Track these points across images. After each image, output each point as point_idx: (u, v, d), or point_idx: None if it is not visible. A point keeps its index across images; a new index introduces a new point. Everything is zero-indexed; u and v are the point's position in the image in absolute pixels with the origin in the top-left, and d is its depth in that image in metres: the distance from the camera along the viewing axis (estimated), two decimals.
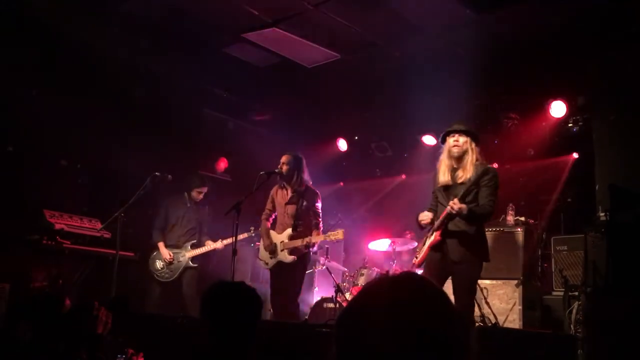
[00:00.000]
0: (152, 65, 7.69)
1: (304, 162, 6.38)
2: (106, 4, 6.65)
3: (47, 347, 3.14)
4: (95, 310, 3.44)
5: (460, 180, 4.89)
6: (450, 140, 4.99)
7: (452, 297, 4.75)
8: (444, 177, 4.99)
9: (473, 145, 4.98)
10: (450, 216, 4.80)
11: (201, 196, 7.42)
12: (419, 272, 4.91)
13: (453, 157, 4.97)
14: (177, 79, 8.09)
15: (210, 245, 7.17)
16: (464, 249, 4.78)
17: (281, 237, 6.24)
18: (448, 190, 4.97)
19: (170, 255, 7.14)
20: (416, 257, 5.13)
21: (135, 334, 4.13)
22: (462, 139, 4.96)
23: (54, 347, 3.16)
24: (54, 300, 3.55)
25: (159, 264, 7.18)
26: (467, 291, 4.79)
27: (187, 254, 7.15)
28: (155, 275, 7.16)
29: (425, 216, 5.02)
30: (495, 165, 8.10)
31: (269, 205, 6.53)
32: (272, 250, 6.26)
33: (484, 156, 5.12)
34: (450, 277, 4.90)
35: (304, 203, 6.20)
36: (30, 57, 6.80)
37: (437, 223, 4.91)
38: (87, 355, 3.25)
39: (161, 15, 6.85)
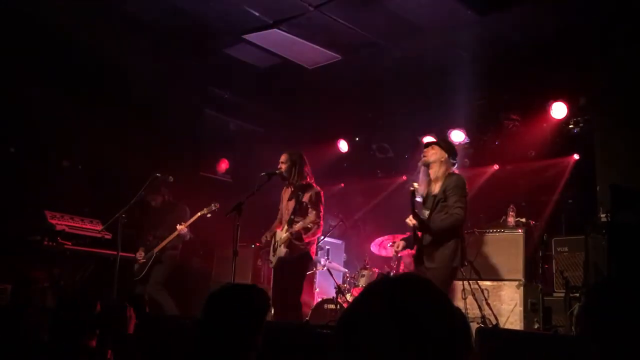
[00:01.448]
0: (153, 65, 7.69)
1: (304, 157, 6.31)
2: (107, 4, 6.65)
3: (77, 347, 3.16)
4: (127, 311, 3.50)
5: (433, 193, 5.20)
6: (423, 153, 5.36)
7: None
8: (420, 194, 5.33)
9: (445, 157, 5.24)
10: (415, 229, 5.15)
11: (153, 203, 7.36)
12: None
13: (423, 168, 5.33)
14: (178, 80, 8.09)
15: (172, 234, 7.10)
16: (436, 256, 5.08)
17: (281, 234, 6.21)
18: (424, 203, 5.29)
19: (141, 255, 7.20)
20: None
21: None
22: (430, 152, 5.27)
23: (84, 347, 3.18)
24: (86, 299, 3.59)
25: (135, 266, 7.26)
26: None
27: (155, 249, 7.17)
28: (134, 278, 7.22)
29: (397, 247, 5.52)
30: (496, 167, 8.18)
31: (280, 207, 6.50)
32: (274, 247, 6.25)
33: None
34: None
35: (303, 198, 6.14)
36: (31, 58, 6.80)
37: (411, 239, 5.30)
38: (116, 354, 3.29)
39: (162, 16, 6.85)
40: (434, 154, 5.27)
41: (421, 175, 5.38)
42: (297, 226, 5.93)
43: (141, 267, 7.21)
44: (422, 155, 5.37)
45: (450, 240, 5.09)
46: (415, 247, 5.26)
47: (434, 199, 5.16)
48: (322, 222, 6.21)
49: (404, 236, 5.63)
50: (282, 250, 6.11)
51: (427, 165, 5.31)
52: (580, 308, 5.60)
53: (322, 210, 6.18)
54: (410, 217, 5.09)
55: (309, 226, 5.97)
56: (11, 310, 4.61)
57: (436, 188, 5.19)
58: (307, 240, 6.09)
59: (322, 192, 6.24)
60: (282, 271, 6.21)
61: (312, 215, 5.88)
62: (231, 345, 2.42)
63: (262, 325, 2.50)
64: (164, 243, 7.16)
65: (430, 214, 5.15)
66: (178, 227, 7.09)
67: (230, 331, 2.43)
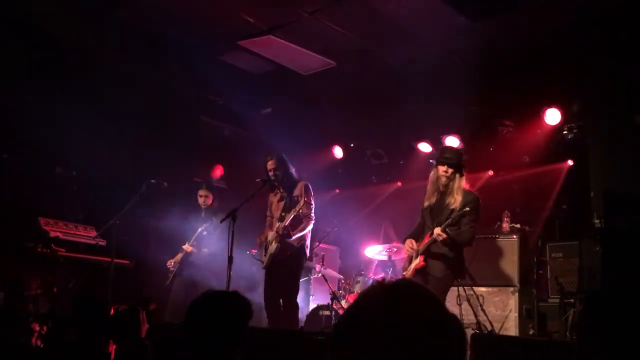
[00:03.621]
0: (149, 72, 7.69)
1: (286, 158, 6.30)
2: (103, 11, 6.64)
3: (94, 349, 3.17)
4: (142, 316, 3.52)
5: (450, 206, 5.31)
6: (441, 170, 5.39)
7: None
8: (428, 201, 5.53)
9: (458, 174, 5.39)
10: (433, 241, 5.28)
11: (203, 200, 7.20)
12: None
13: (441, 183, 5.41)
14: (173, 86, 8.08)
15: (182, 251, 6.96)
16: (444, 267, 5.29)
17: (272, 234, 6.15)
18: (434, 213, 5.45)
19: (170, 264, 7.06)
20: (404, 273, 5.54)
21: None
22: (450, 170, 5.36)
23: (101, 350, 3.19)
24: (100, 304, 3.60)
25: (169, 263, 7.10)
26: (440, 294, 5.11)
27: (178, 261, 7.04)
28: (167, 282, 7.09)
29: (410, 248, 5.49)
30: (490, 173, 8.20)
31: (267, 212, 6.47)
32: (266, 247, 6.19)
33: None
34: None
35: (292, 195, 6.13)
36: (26, 63, 6.78)
37: (421, 247, 5.38)
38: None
39: (157, 23, 6.85)
40: (453, 173, 5.33)
41: (433, 188, 5.51)
42: (289, 216, 5.90)
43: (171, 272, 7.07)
44: (442, 174, 5.36)
45: (457, 255, 5.33)
46: (420, 260, 5.35)
47: (450, 211, 5.26)
48: (312, 214, 6.13)
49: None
50: (273, 247, 6.03)
51: (446, 184, 5.39)
52: (577, 314, 5.63)
53: (312, 202, 6.14)
54: (439, 229, 5.18)
55: (300, 216, 5.94)
56: (3, 317, 4.59)
57: (453, 202, 5.30)
58: (298, 234, 6.01)
59: (309, 184, 6.22)
60: (275, 271, 6.11)
61: (301, 202, 5.85)
62: (214, 351, 2.43)
63: (244, 331, 2.51)
64: (175, 259, 7.00)
65: (444, 226, 5.22)
66: (184, 246, 6.91)
67: (212, 337, 2.44)
